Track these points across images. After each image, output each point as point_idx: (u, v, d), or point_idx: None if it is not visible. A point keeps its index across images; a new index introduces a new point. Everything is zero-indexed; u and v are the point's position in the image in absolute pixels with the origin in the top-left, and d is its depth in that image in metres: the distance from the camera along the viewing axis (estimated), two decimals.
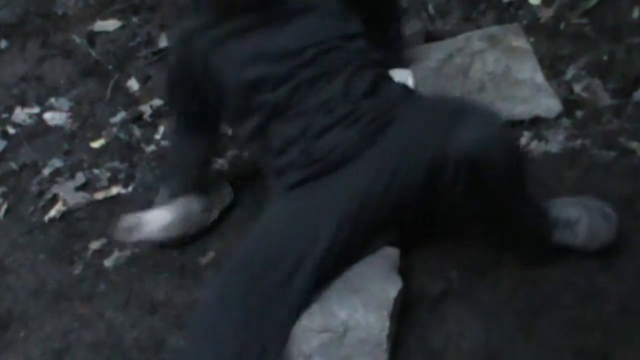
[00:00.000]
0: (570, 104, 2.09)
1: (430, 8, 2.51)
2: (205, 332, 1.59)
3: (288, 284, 1.63)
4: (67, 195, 2.29)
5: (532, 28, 2.31)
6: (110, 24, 2.88)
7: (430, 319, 1.69)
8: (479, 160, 1.47)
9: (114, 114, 2.55)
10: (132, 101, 2.59)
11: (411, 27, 2.42)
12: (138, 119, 2.51)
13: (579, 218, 1.68)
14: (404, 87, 1.84)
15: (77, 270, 2.09)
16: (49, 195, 2.32)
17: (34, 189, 2.36)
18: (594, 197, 1.74)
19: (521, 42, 2.22)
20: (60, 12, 2.98)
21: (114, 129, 2.50)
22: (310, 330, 1.64)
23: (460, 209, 1.59)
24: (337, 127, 1.70)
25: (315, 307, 1.65)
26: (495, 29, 2.29)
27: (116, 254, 2.09)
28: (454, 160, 1.48)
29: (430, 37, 2.39)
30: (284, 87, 1.74)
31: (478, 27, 2.37)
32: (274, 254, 1.64)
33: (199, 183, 2.06)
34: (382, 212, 1.67)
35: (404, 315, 1.68)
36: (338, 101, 1.72)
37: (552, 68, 2.18)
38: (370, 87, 1.74)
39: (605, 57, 2.16)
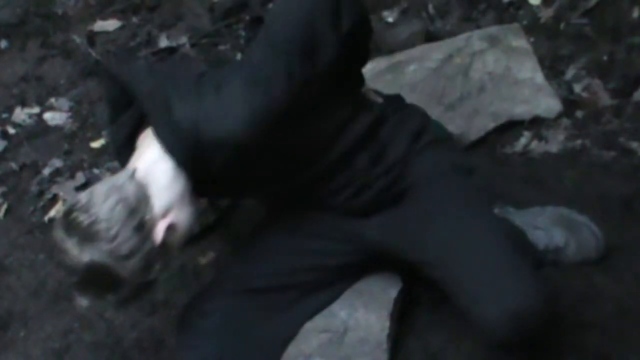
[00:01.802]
0: (570, 104, 2.09)
1: (430, 8, 2.51)
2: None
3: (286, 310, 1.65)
4: (67, 195, 2.28)
5: (532, 28, 2.31)
6: (110, 24, 2.87)
7: (430, 319, 1.69)
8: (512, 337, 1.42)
9: None
10: None
11: (411, 27, 2.42)
12: None
13: (567, 242, 1.69)
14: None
15: None
16: (49, 195, 2.32)
17: (34, 189, 2.36)
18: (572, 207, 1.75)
19: (521, 42, 2.22)
20: (60, 12, 2.98)
21: None
22: (311, 330, 1.65)
23: None
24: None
25: None
26: (495, 29, 2.29)
27: None
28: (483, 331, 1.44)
29: (430, 37, 2.39)
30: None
31: (478, 27, 2.36)
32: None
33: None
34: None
35: (404, 315, 1.69)
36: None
37: (552, 68, 2.18)
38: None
39: (605, 57, 2.16)
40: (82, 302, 1.44)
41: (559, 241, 1.69)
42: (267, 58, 1.38)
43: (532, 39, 2.26)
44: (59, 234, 1.40)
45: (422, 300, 1.71)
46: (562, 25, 2.30)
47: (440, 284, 1.51)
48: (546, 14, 2.35)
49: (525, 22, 2.33)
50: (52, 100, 2.66)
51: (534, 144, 2.03)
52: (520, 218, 1.72)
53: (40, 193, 2.34)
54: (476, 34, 2.28)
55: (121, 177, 1.43)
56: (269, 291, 1.65)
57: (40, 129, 2.58)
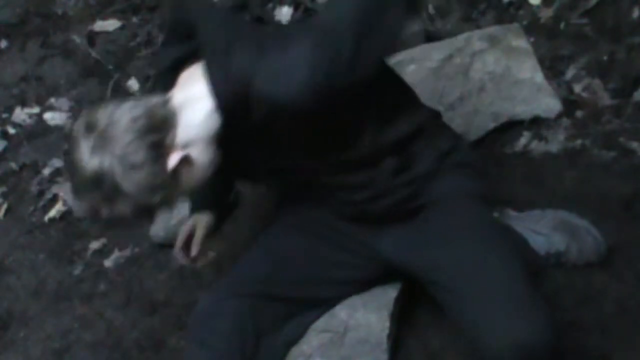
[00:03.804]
0: (570, 104, 2.09)
1: (430, 8, 2.51)
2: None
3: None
4: (67, 195, 2.28)
5: (532, 28, 2.31)
6: (110, 24, 2.88)
7: (430, 319, 1.69)
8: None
9: None
10: None
11: (411, 27, 2.42)
12: None
13: (568, 247, 1.70)
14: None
15: (77, 270, 2.09)
16: (49, 195, 2.32)
17: (34, 189, 2.36)
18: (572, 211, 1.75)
19: (521, 42, 2.22)
20: (60, 12, 2.98)
21: None
22: (311, 330, 1.65)
23: None
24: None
25: None
26: (495, 29, 2.29)
27: (116, 254, 2.09)
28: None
29: (430, 37, 2.39)
30: None
31: (478, 27, 2.36)
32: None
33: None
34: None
35: (404, 315, 1.69)
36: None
37: (552, 68, 2.18)
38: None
39: (605, 57, 2.16)
40: (76, 207, 1.41)
41: (560, 246, 1.69)
42: (339, 28, 1.35)
43: (532, 39, 2.26)
44: (77, 132, 1.38)
45: (422, 300, 1.71)
46: (562, 25, 2.30)
47: (447, 307, 1.51)
48: (546, 14, 2.35)
49: (525, 22, 2.33)
50: (52, 100, 2.67)
51: (534, 144, 2.03)
52: (521, 223, 1.72)
53: (40, 193, 2.34)
54: (476, 34, 2.28)
55: (155, 97, 1.41)
56: (284, 300, 1.65)
57: (40, 129, 2.58)
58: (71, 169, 1.41)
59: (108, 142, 1.34)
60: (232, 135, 1.44)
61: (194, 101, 1.40)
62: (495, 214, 1.78)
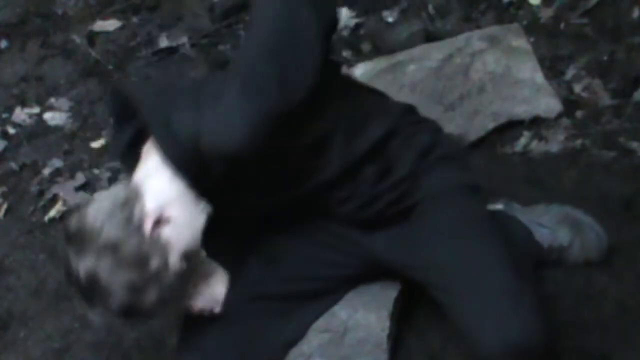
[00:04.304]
0: (570, 104, 2.09)
1: (430, 8, 2.51)
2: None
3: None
4: (67, 195, 2.29)
5: (532, 28, 2.31)
6: (110, 24, 2.88)
7: (430, 319, 1.69)
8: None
9: None
10: None
11: (411, 27, 2.42)
12: None
13: (571, 243, 1.70)
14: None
15: None
16: (49, 195, 2.32)
17: (34, 189, 2.36)
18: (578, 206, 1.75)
19: (521, 42, 2.22)
20: (60, 12, 2.98)
21: None
22: (311, 330, 1.65)
23: None
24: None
25: None
26: (495, 29, 2.29)
27: None
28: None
29: (430, 37, 2.39)
30: None
31: (478, 27, 2.36)
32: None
33: None
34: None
35: (404, 315, 1.68)
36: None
37: (552, 68, 2.18)
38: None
39: (605, 57, 2.16)
40: (95, 318, 1.46)
41: (564, 241, 1.69)
42: (258, 64, 1.37)
43: (532, 39, 2.26)
44: (64, 250, 1.44)
45: (422, 300, 1.70)
46: (562, 25, 2.30)
47: (441, 305, 1.52)
48: (546, 14, 2.35)
49: (525, 22, 2.33)
50: (52, 100, 2.67)
51: (534, 144, 2.03)
52: (526, 215, 1.73)
53: (40, 193, 2.34)
54: (476, 34, 2.28)
55: (117, 185, 1.46)
56: (272, 298, 1.65)
57: (40, 129, 2.58)
58: (73, 283, 1.45)
59: (84, 242, 1.40)
60: (206, 186, 1.46)
61: (153, 172, 1.45)
62: (500, 206, 1.78)
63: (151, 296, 1.44)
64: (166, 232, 1.44)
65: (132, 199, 1.42)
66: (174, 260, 1.45)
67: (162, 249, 1.44)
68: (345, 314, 1.65)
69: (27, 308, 2.02)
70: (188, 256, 1.48)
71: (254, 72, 1.37)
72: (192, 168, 1.42)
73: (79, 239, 1.41)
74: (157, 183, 1.44)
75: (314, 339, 1.63)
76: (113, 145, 1.67)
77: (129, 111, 1.49)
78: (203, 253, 1.55)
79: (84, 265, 1.40)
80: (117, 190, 1.46)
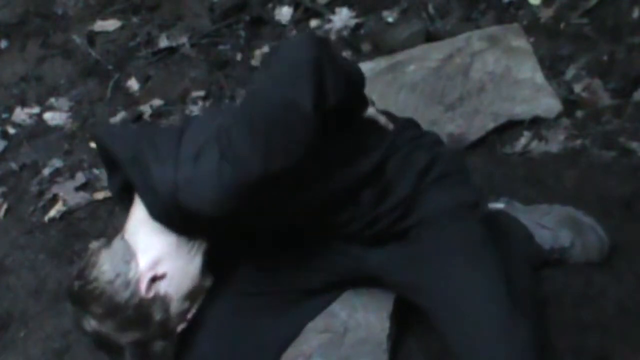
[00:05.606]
0: (570, 104, 2.09)
1: (430, 8, 2.51)
2: None
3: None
4: (67, 195, 2.29)
5: (532, 28, 2.31)
6: (110, 24, 2.88)
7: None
8: None
9: (114, 114, 2.55)
10: (132, 101, 2.59)
11: (411, 27, 2.42)
12: (138, 118, 2.51)
13: (573, 244, 1.70)
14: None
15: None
16: (49, 195, 2.32)
17: (34, 189, 2.36)
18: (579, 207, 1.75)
19: (521, 42, 2.22)
20: (60, 12, 2.98)
21: None
22: (311, 330, 1.65)
23: None
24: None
25: None
26: (495, 29, 2.29)
27: None
28: None
29: (430, 37, 2.39)
30: None
31: (478, 27, 2.37)
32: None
33: None
34: None
35: (404, 315, 1.68)
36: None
37: (552, 68, 2.18)
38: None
39: (605, 57, 2.16)
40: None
41: (565, 242, 1.69)
42: (244, 136, 1.34)
43: (532, 39, 2.26)
44: (73, 311, 1.50)
45: None
46: (562, 25, 2.30)
47: (435, 327, 1.52)
48: (546, 14, 2.35)
49: (525, 22, 2.34)
50: (52, 100, 2.67)
51: (534, 144, 2.03)
52: (527, 216, 1.72)
53: (40, 193, 2.34)
54: (476, 34, 2.28)
55: (114, 242, 1.49)
56: (265, 294, 1.64)
57: (40, 129, 2.58)
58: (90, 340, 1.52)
59: (88, 307, 1.45)
60: (195, 230, 1.48)
61: (141, 225, 1.47)
62: (502, 205, 1.78)
63: (160, 344, 1.50)
64: (163, 287, 1.47)
65: (128, 261, 1.45)
66: (176, 306, 1.50)
67: (162, 302, 1.48)
68: (345, 314, 1.65)
69: (27, 308, 2.02)
70: (190, 296, 1.53)
71: (238, 140, 1.34)
72: (175, 221, 1.44)
73: (82, 303, 1.45)
74: (146, 238, 1.47)
75: (314, 339, 1.63)
76: (108, 186, 1.70)
77: (114, 160, 1.51)
78: (209, 281, 1.57)
79: (89, 326, 1.46)
80: (114, 249, 1.47)
